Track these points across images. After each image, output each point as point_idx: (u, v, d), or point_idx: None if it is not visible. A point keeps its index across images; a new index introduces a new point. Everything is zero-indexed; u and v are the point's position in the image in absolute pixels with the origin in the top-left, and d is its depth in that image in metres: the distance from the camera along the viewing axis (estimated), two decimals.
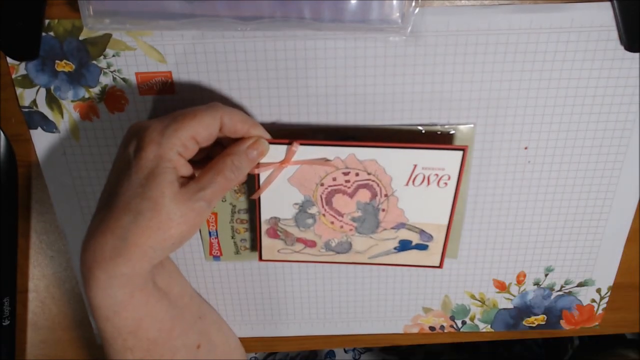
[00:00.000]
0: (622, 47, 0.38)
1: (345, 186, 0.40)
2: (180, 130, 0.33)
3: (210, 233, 0.45)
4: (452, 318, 0.50)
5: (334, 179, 0.39)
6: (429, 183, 0.39)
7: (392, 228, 0.41)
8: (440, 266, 0.43)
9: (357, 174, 0.39)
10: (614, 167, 0.43)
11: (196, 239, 0.46)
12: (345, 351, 0.57)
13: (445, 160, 0.38)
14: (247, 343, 0.52)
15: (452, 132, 0.41)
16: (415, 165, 0.38)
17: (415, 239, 0.42)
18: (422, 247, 0.42)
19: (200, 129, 0.34)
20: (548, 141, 0.42)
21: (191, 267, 0.47)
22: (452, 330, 0.51)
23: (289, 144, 0.38)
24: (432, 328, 0.51)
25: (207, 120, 0.34)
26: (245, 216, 0.45)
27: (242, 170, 0.36)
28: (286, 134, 0.40)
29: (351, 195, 0.40)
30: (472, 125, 0.41)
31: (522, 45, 0.38)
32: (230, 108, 0.36)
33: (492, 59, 0.38)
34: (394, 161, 0.38)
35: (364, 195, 0.40)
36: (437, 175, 0.39)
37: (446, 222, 0.41)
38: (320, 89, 0.40)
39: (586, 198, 0.44)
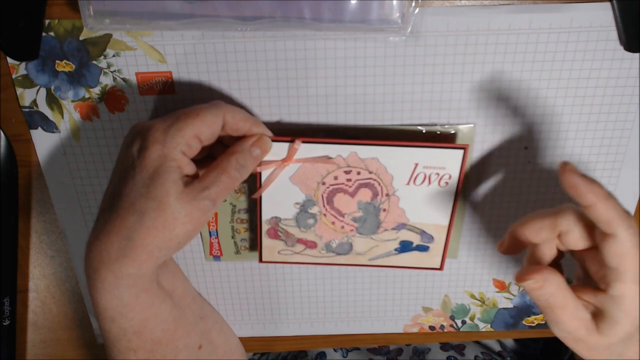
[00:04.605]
0: (621, 47, 0.38)
1: (347, 185, 0.40)
2: (183, 129, 0.33)
3: (210, 233, 0.45)
4: (452, 318, 0.50)
5: (336, 178, 0.39)
6: (429, 182, 0.39)
7: (393, 228, 0.42)
8: (440, 268, 0.44)
9: (358, 173, 0.39)
10: (613, 167, 0.43)
11: (196, 239, 0.46)
12: (335, 350, 0.57)
13: (446, 159, 0.38)
14: (247, 343, 0.52)
15: (452, 132, 0.41)
16: (417, 164, 0.38)
17: (416, 240, 0.42)
18: (422, 248, 0.42)
19: (203, 128, 0.34)
20: (548, 141, 0.42)
21: (191, 267, 0.48)
22: (452, 329, 0.51)
23: (291, 141, 0.38)
24: (432, 328, 0.51)
25: (210, 118, 0.34)
26: (245, 216, 0.45)
27: (247, 169, 0.36)
28: (287, 133, 0.40)
29: (352, 195, 0.40)
30: (472, 125, 0.41)
31: (522, 45, 0.38)
32: (232, 106, 0.36)
33: (492, 59, 0.38)
34: (395, 160, 0.38)
35: (365, 195, 0.40)
36: (437, 174, 0.39)
37: (447, 223, 0.41)
38: (320, 89, 0.40)
39: None
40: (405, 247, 0.42)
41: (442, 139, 0.41)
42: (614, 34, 0.38)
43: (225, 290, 0.49)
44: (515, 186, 0.43)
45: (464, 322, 0.51)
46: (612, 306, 0.32)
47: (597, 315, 0.33)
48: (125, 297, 0.35)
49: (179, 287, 0.42)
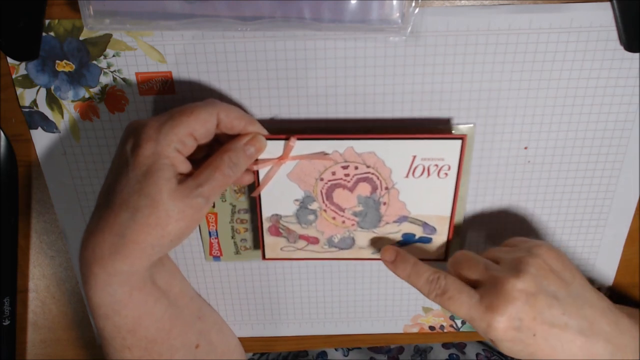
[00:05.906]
0: (621, 47, 0.38)
1: (345, 180, 0.40)
2: (177, 127, 0.33)
3: (210, 233, 0.45)
4: (452, 318, 0.50)
5: (334, 174, 0.39)
6: (429, 174, 0.39)
7: (395, 221, 0.41)
8: (445, 259, 0.43)
9: (356, 168, 0.39)
10: (613, 167, 0.43)
11: (196, 239, 0.46)
12: (336, 349, 0.57)
13: (445, 150, 0.38)
14: (247, 343, 0.52)
15: (452, 132, 0.41)
16: (415, 156, 0.38)
17: (418, 232, 0.42)
18: (426, 240, 0.42)
19: (197, 126, 0.34)
20: (548, 141, 0.42)
21: (191, 267, 0.47)
22: (452, 330, 0.51)
23: (287, 139, 0.38)
24: (432, 328, 0.51)
25: (203, 116, 0.34)
26: (245, 216, 0.45)
27: (240, 167, 0.36)
28: (285, 130, 0.40)
29: (351, 189, 0.40)
30: (472, 125, 0.41)
31: (522, 45, 0.38)
32: (227, 104, 0.36)
33: (492, 59, 0.38)
34: (392, 153, 0.38)
35: (364, 189, 0.40)
36: (436, 165, 0.39)
37: (448, 214, 0.41)
38: (320, 89, 0.40)
39: (586, 198, 0.44)
40: (408, 239, 0.42)
41: (441, 131, 0.41)
42: (614, 34, 0.38)
43: (225, 291, 0.49)
44: (515, 186, 0.43)
45: (464, 322, 0.50)
46: None
47: None
48: (118, 295, 0.35)
49: (176, 287, 0.42)
